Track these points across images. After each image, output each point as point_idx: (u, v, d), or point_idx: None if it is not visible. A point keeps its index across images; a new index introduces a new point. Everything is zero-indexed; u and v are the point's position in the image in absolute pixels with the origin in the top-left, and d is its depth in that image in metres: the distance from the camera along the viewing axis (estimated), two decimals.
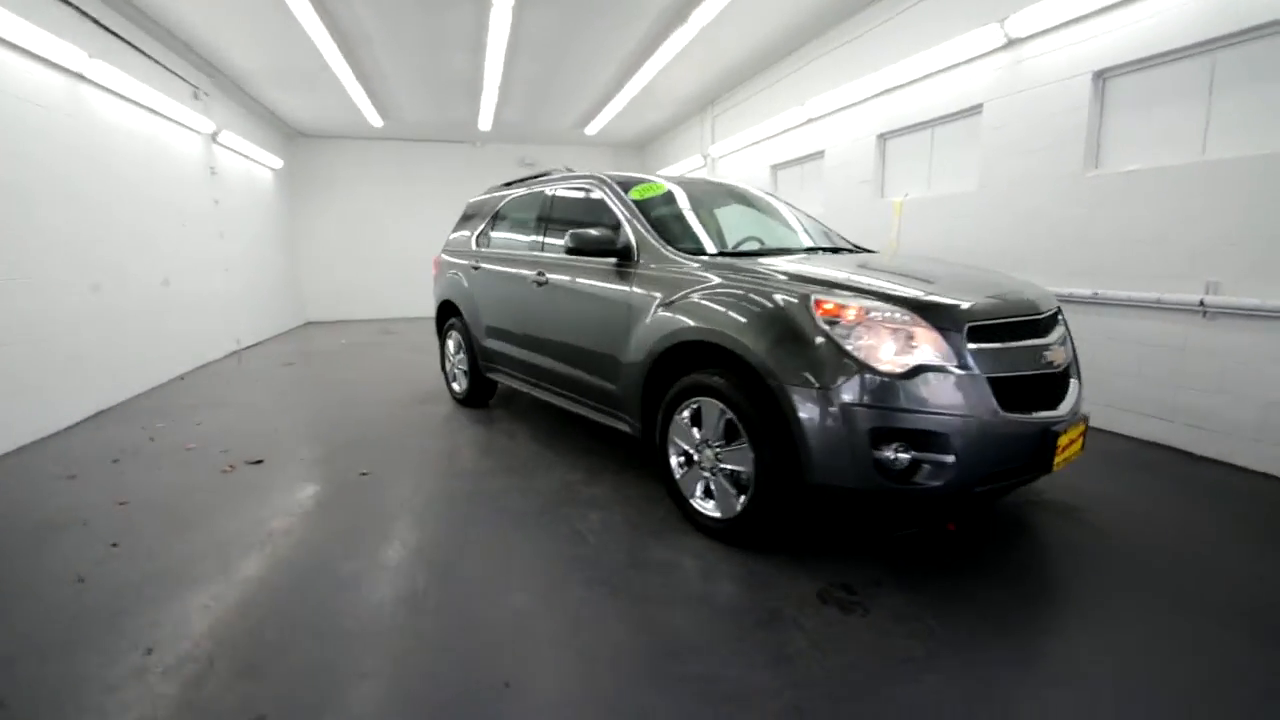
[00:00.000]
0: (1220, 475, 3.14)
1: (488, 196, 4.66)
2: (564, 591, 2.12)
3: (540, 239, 3.74)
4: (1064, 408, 2.28)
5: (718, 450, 2.40)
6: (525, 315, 3.70)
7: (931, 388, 2.01)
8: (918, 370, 2.01)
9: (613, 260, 3.01)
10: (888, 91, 5.39)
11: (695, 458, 2.52)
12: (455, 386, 4.84)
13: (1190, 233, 3.33)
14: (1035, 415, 2.16)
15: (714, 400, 2.38)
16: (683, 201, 3.32)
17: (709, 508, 2.48)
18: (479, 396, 4.63)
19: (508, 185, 4.53)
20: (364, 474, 3.28)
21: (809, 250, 3.24)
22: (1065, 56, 3.86)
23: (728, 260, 2.70)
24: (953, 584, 2.16)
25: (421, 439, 3.95)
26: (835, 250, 3.31)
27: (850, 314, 2.10)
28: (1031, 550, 2.44)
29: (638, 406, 2.82)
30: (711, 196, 3.55)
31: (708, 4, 5.22)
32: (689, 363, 2.58)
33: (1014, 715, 1.55)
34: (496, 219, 4.39)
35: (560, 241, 3.53)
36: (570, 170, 3.86)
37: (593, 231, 2.97)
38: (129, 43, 5.15)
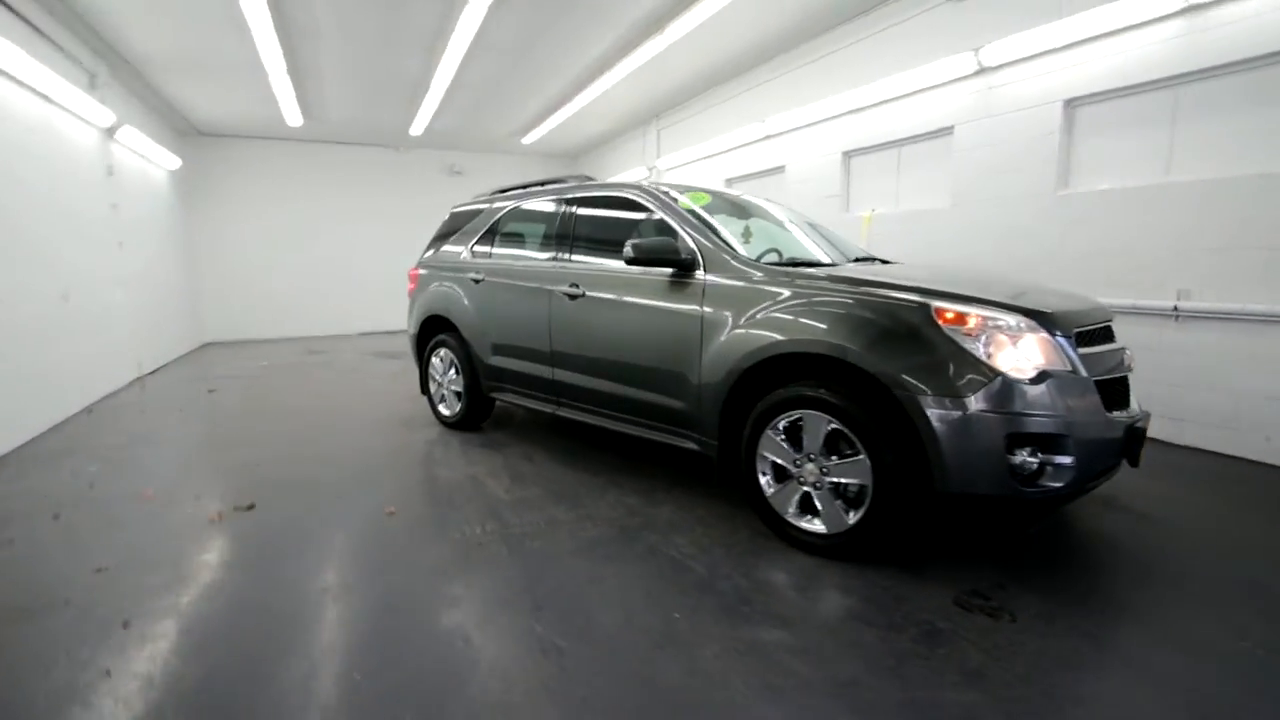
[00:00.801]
0: (1203, 462, 3.54)
1: (483, 205, 4.35)
2: (703, 625, 1.96)
3: (567, 250, 3.52)
4: (1134, 406, 2.45)
5: (824, 464, 2.35)
6: (552, 330, 3.46)
7: (1055, 392, 2.08)
8: (1043, 376, 2.08)
9: (669, 271, 2.89)
10: (855, 111, 5.65)
11: (793, 473, 2.45)
12: (443, 409, 4.44)
13: (1159, 245, 3.74)
14: (1121, 414, 2.30)
15: (819, 412, 2.33)
16: (724, 212, 3.26)
17: (813, 524, 2.42)
18: (474, 419, 4.28)
19: (501, 192, 4.26)
20: (391, 513, 2.91)
21: (856, 260, 3.29)
22: (1037, 85, 4.24)
23: (797, 270, 2.66)
24: (1066, 580, 2.24)
25: (430, 469, 3.58)
26: (871, 261, 3.39)
27: (972, 322, 2.13)
28: (1105, 541, 2.60)
29: (716, 424, 2.70)
30: (738, 208, 3.53)
31: (686, 17, 5.23)
32: (775, 377, 2.52)
33: (1213, 701, 1.61)
34: (499, 228, 4.10)
35: (593, 257, 3.38)
36: (590, 179, 3.68)
37: (654, 241, 2.84)
38: (19, 14, 4.33)
